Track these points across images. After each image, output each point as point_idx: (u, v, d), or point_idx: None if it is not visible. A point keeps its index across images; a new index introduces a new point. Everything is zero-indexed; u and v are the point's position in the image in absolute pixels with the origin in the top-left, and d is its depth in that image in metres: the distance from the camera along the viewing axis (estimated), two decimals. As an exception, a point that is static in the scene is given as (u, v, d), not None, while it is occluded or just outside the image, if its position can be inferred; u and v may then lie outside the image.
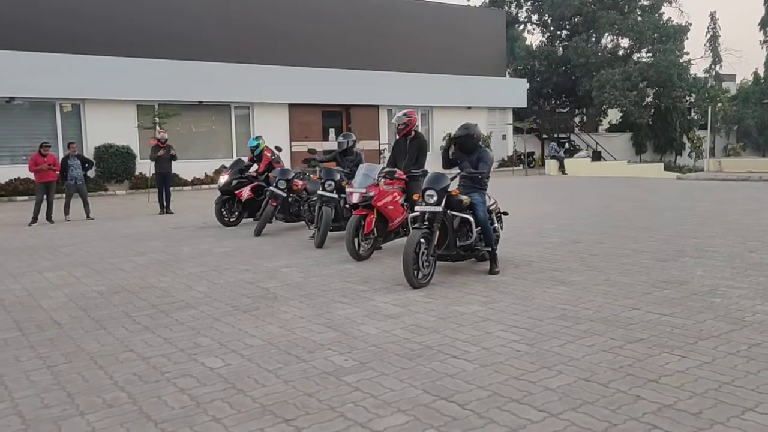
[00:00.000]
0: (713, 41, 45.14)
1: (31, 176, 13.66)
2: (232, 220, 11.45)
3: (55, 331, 5.16)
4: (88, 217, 13.18)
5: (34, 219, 12.56)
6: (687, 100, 35.31)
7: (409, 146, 8.44)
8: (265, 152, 11.60)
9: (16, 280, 7.26)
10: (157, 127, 17.12)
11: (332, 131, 24.22)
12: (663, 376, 3.86)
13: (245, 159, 12.08)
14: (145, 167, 19.05)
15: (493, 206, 7.57)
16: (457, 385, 3.82)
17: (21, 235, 11.09)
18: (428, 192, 6.52)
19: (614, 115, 37.83)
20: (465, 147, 7.16)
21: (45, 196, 12.75)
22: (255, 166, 11.58)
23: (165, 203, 13.91)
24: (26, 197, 17.52)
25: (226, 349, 4.59)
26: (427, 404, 3.55)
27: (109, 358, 4.45)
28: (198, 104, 21.62)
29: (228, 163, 14.02)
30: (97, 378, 4.08)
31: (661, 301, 5.63)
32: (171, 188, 14.22)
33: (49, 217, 12.81)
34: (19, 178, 18.12)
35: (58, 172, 13.04)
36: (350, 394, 3.73)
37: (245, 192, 11.18)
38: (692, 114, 37.16)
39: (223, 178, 11.40)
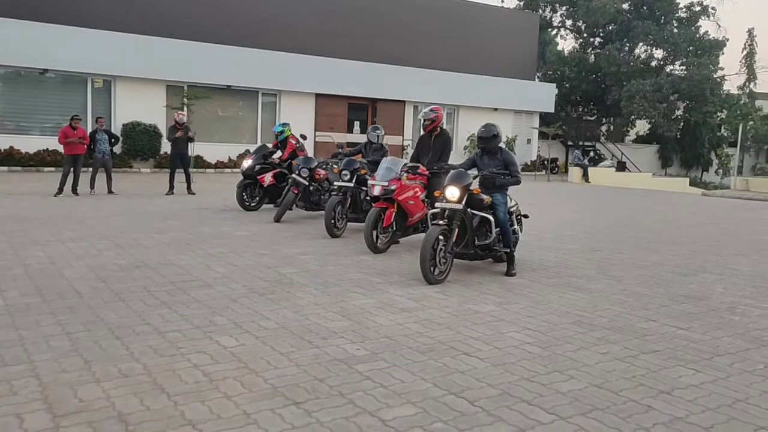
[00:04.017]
0: (749, 58, 44.27)
1: (60, 148, 13.85)
2: (252, 204, 11.52)
3: (76, 300, 5.25)
4: (110, 191, 13.35)
5: (60, 190, 12.76)
6: (718, 116, 34.75)
7: (434, 142, 8.42)
8: (290, 140, 11.65)
9: (41, 248, 7.39)
10: (185, 108, 17.26)
11: (357, 124, 24.24)
12: (676, 389, 3.84)
13: (270, 145, 12.15)
14: (169, 147, 19.23)
15: (514, 208, 7.55)
16: (468, 381, 3.83)
17: (47, 205, 11.26)
18: (449, 189, 6.52)
19: (642, 126, 37.35)
20: (488, 147, 7.12)
21: (72, 169, 12.94)
22: (279, 153, 11.64)
23: (186, 183, 13.96)
24: (53, 168, 17.79)
25: (240, 330, 4.64)
26: (437, 398, 3.57)
27: (126, 330, 4.52)
28: (226, 88, 21.74)
29: (252, 148, 14.12)
30: (113, 348, 4.15)
31: (678, 314, 5.58)
32: (190, 169, 14.24)
33: (74, 190, 13.01)
34: (47, 149, 18.38)
35: (86, 146, 13.23)
36: (361, 382, 3.75)
37: (267, 178, 11.25)
38: (722, 130, 36.58)
39: (247, 163, 11.46)
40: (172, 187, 13.92)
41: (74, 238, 8.08)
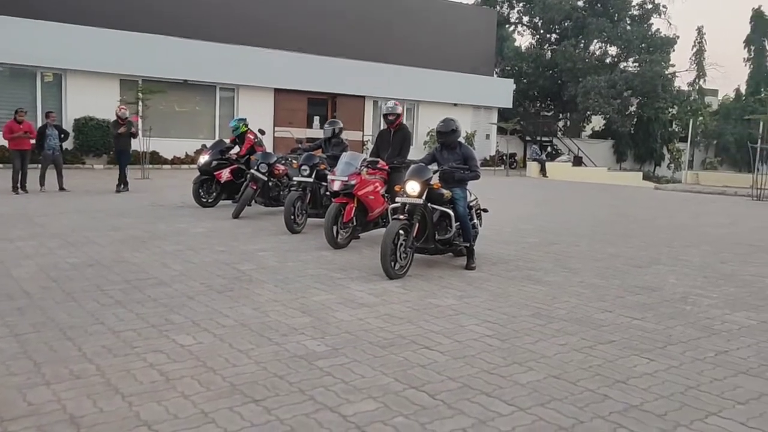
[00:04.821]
0: (699, 55, 45.66)
1: (6, 144, 13.39)
2: (209, 201, 11.31)
3: (25, 301, 5.07)
4: (61, 188, 12.96)
5: (15, 187, 12.39)
6: (669, 112, 35.72)
7: (394, 137, 8.43)
8: (248, 135, 11.49)
9: (-14, 247, 7.13)
10: (139, 103, 16.87)
11: (317, 119, 24.08)
12: (631, 378, 3.91)
13: (227, 140, 11.96)
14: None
15: (474, 202, 7.59)
16: (428, 375, 3.84)
17: (-7, 203, 10.88)
18: (410, 184, 6.52)
19: (597, 122, 38.12)
20: (447, 142, 7.16)
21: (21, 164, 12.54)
22: (237, 148, 11.47)
23: (120, 179, 13.55)
24: (0, 165, 17.18)
25: (198, 328, 4.55)
26: (398, 392, 3.56)
27: (78, 330, 4.39)
28: (183, 83, 21.34)
29: (209, 143, 13.92)
30: (65, 349, 4.03)
31: (633, 305, 5.70)
32: (128, 166, 13.70)
33: (23, 187, 12.60)
34: (-7, 145, 17.74)
35: (33, 141, 12.81)
36: (321, 378, 3.72)
37: (224, 174, 11.06)
38: (673, 126, 37.59)
39: (203, 158, 11.25)
40: (126, 183, 13.59)
41: (23, 237, 7.82)
